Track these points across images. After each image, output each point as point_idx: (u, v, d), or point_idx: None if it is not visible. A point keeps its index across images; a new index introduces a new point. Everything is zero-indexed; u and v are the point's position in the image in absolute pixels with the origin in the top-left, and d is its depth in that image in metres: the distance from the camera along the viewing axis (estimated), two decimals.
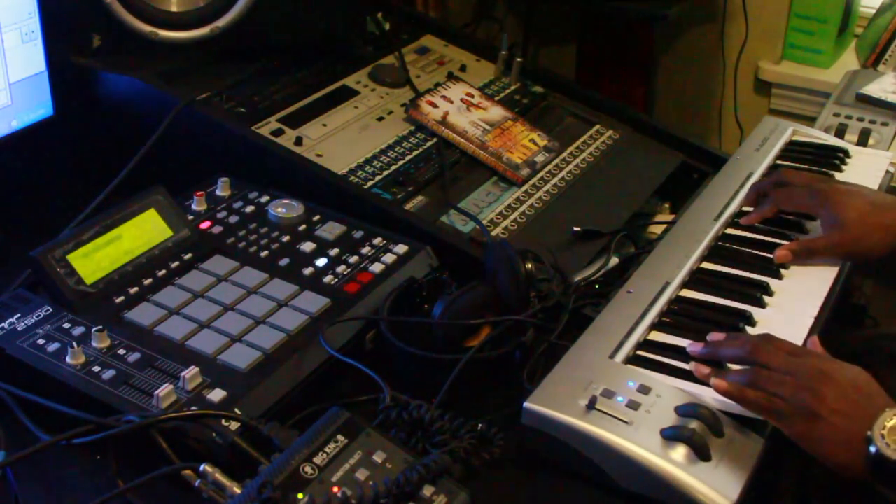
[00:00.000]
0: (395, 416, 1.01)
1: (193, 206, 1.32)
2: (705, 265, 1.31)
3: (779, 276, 1.28)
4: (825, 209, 1.31)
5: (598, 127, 1.68)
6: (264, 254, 1.26)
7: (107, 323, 1.10)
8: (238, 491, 0.88)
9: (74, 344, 1.05)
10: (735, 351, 1.07)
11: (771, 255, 1.31)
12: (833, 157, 1.59)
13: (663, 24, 2.51)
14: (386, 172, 1.43)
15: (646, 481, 0.97)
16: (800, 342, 1.12)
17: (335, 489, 0.87)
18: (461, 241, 1.33)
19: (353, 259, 1.26)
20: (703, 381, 1.06)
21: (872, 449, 0.94)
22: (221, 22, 1.52)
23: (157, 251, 1.22)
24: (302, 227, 1.31)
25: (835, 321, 1.25)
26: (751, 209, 1.41)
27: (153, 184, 1.26)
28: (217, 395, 1.02)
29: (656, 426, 1.00)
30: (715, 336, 1.11)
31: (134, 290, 1.16)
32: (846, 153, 1.61)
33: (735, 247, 1.35)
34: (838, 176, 1.54)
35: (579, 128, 1.68)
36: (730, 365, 1.08)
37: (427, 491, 0.89)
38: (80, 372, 1.03)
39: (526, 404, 1.02)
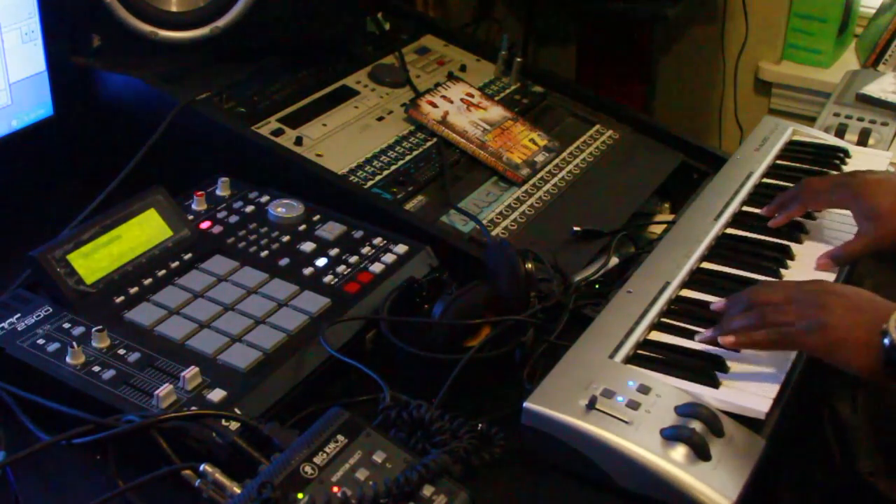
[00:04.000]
0: (395, 416, 1.01)
1: (193, 206, 1.32)
2: (705, 265, 1.31)
3: (779, 276, 1.28)
4: (857, 202, 1.29)
5: (598, 127, 1.68)
6: (264, 254, 1.26)
7: (107, 323, 1.10)
8: (238, 491, 0.88)
9: (74, 344, 1.05)
10: (744, 321, 1.08)
11: (771, 255, 1.31)
12: (833, 157, 1.59)
13: (663, 24, 2.51)
14: (386, 172, 1.44)
15: (646, 481, 0.97)
16: None
17: (335, 489, 0.87)
18: (461, 241, 1.33)
19: (353, 259, 1.26)
20: (703, 380, 1.07)
21: (886, 341, 0.97)
22: (221, 22, 1.52)
23: (157, 251, 1.22)
24: (302, 227, 1.31)
25: None
26: (754, 211, 1.40)
27: (153, 184, 1.26)
28: (217, 395, 1.02)
29: (656, 426, 1.00)
30: (717, 306, 1.14)
31: (134, 290, 1.16)
32: (846, 153, 1.61)
33: (735, 247, 1.35)
34: None
35: (579, 128, 1.68)
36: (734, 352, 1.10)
37: (427, 491, 0.89)
38: (80, 372, 1.03)
39: (526, 404, 1.02)
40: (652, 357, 1.12)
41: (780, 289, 1.09)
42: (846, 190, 1.31)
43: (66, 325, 1.10)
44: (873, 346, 0.98)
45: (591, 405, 1.01)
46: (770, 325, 1.05)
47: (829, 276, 1.28)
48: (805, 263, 1.31)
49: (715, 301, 1.21)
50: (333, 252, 1.27)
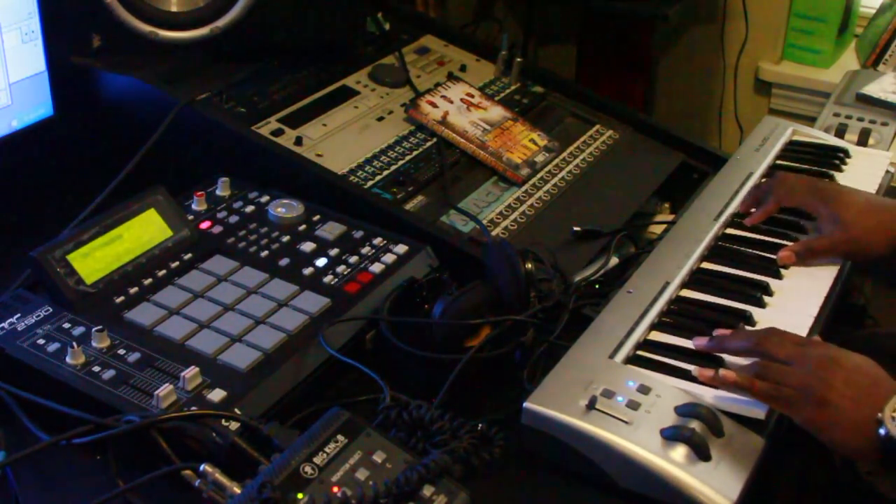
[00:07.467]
0: (395, 416, 1.01)
1: (193, 206, 1.32)
2: (705, 265, 1.31)
3: (779, 276, 1.28)
4: (826, 207, 1.32)
5: (598, 127, 1.68)
6: (264, 254, 1.26)
7: (107, 323, 1.10)
8: (238, 491, 0.88)
9: (74, 344, 1.05)
10: (741, 343, 1.08)
11: (771, 255, 1.31)
12: (833, 157, 1.59)
13: (663, 24, 2.51)
14: (386, 172, 1.43)
15: (646, 481, 0.97)
16: None
17: (335, 489, 0.87)
18: (461, 241, 1.33)
19: (353, 259, 1.26)
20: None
21: (882, 431, 0.95)
22: (221, 22, 1.52)
23: (157, 251, 1.22)
24: (302, 227, 1.31)
25: (835, 321, 1.25)
26: (752, 211, 1.41)
27: (153, 184, 1.26)
28: (217, 395, 1.02)
29: (656, 426, 1.00)
30: (720, 332, 1.12)
31: (134, 290, 1.16)
32: (846, 153, 1.61)
33: (735, 247, 1.35)
34: (838, 176, 1.54)
35: (579, 128, 1.68)
36: (733, 360, 1.08)
37: (427, 491, 0.89)
38: (80, 372, 1.03)
39: (526, 404, 1.02)
40: (652, 357, 1.12)
41: (787, 344, 1.05)
42: (817, 195, 1.34)
43: (66, 325, 1.10)
44: (868, 434, 0.96)
45: (591, 405, 1.01)
46: (771, 380, 1.02)
47: (824, 274, 1.28)
48: (805, 266, 1.31)
49: (714, 301, 1.21)
50: (333, 252, 1.27)
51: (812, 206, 1.35)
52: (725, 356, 1.10)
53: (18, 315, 1.11)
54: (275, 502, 0.84)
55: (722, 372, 1.04)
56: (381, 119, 1.56)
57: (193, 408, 1.00)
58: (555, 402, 1.02)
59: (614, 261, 1.38)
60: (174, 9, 1.51)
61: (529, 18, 2.74)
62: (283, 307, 1.17)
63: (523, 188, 1.48)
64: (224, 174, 1.38)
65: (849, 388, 0.98)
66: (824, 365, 1.00)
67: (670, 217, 1.54)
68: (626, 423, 1.00)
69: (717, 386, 1.05)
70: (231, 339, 1.11)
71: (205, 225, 1.30)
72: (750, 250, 1.34)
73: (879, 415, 0.95)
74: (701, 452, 0.97)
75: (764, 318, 1.19)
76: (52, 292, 1.13)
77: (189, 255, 1.23)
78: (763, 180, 1.49)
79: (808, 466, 1.26)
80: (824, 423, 0.98)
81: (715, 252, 1.33)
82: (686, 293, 1.25)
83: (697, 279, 1.27)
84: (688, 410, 1.01)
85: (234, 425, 0.97)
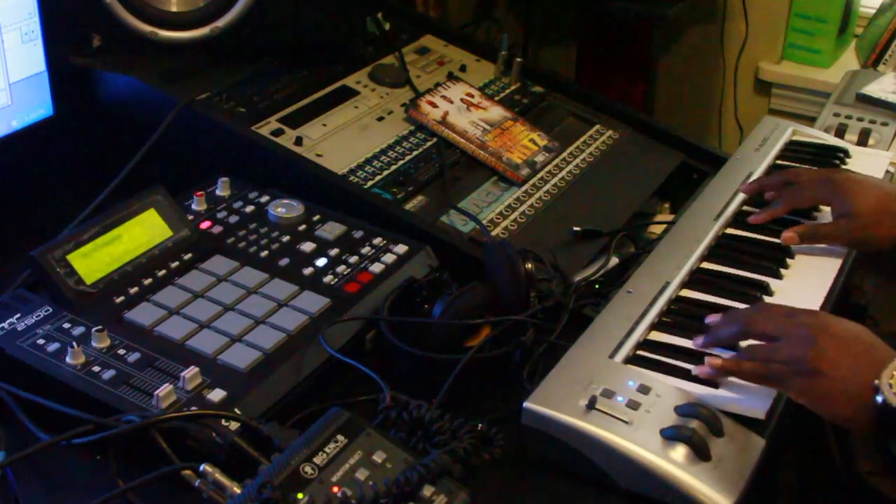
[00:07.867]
0: (395, 416, 1.01)
1: (193, 206, 1.32)
2: (705, 265, 1.31)
3: (779, 276, 1.28)
4: (837, 197, 1.31)
5: (598, 127, 1.68)
6: (264, 254, 1.26)
7: (107, 323, 1.10)
8: (238, 491, 0.88)
9: (74, 344, 1.05)
10: (731, 329, 1.07)
11: (771, 257, 1.31)
12: (833, 157, 1.59)
13: (663, 24, 2.51)
14: (386, 172, 1.44)
15: (646, 481, 0.97)
16: None
17: (335, 489, 0.88)
18: (461, 241, 1.33)
19: (353, 259, 1.26)
20: (703, 380, 1.07)
21: (879, 399, 0.92)
22: (221, 22, 1.52)
23: (157, 251, 1.22)
24: (302, 227, 1.31)
25: None
26: (753, 210, 1.41)
27: (153, 184, 1.26)
28: (217, 395, 1.02)
29: (656, 426, 1.00)
30: (712, 318, 1.12)
31: (134, 290, 1.16)
32: (846, 153, 1.61)
33: (735, 247, 1.35)
34: None
35: (579, 128, 1.68)
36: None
37: (427, 491, 0.89)
38: (80, 372, 1.03)
39: (526, 404, 1.02)
40: (652, 357, 1.11)
41: (776, 317, 1.03)
42: (827, 186, 1.33)
43: (66, 325, 1.10)
44: (864, 402, 0.93)
45: (591, 405, 1.01)
46: (760, 360, 1.01)
47: (824, 274, 1.28)
48: (805, 262, 1.31)
49: (714, 301, 1.21)
50: (333, 252, 1.27)
51: (823, 200, 1.34)
52: (729, 353, 1.10)
53: (18, 315, 1.11)
54: (275, 502, 0.84)
55: (707, 359, 1.03)
56: (381, 119, 1.56)
57: (193, 408, 1.00)
58: (555, 402, 1.02)
59: (614, 261, 1.38)
60: (174, 9, 1.51)
61: (529, 18, 2.75)
62: (283, 307, 1.17)
63: (523, 188, 1.48)
64: (224, 174, 1.38)
65: (842, 356, 0.96)
66: (815, 333, 0.98)
67: (670, 217, 1.54)
68: (626, 423, 1.00)
69: (717, 381, 1.05)
70: (231, 339, 1.11)
71: (205, 225, 1.30)
72: (750, 250, 1.34)
73: (876, 382, 0.92)
74: (701, 452, 0.97)
75: None
76: (52, 292, 1.13)
77: (189, 255, 1.23)
78: (771, 175, 1.47)
79: (808, 466, 1.27)
80: (818, 394, 0.96)
81: (715, 252, 1.33)
82: (686, 293, 1.25)
83: (697, 279, 1.27)
84: (688, 410, 1.01)
85: (234, 425, 0.97)
